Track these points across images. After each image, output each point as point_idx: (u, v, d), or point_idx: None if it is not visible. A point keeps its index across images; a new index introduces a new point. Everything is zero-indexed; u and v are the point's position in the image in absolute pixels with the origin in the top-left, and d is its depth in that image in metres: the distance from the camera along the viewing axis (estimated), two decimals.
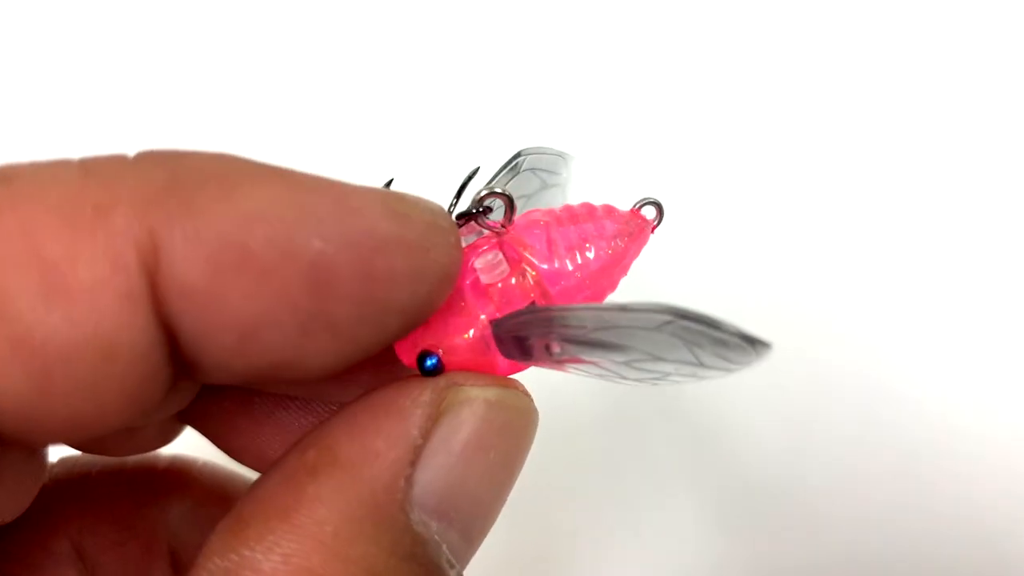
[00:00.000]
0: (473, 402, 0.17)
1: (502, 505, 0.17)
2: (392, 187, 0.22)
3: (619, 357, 0.17)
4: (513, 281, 0.19)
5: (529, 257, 0.19)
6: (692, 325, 0.16)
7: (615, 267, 0.20)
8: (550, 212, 0.20)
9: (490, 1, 0.50)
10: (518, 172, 0.24)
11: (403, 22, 0.50)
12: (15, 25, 0.50)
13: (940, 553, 0.37)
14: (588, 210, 0.20)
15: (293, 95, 0.49)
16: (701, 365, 0.17)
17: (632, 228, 0.21)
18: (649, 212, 0.21)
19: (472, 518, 0.16)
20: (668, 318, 0.16)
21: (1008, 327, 0.40)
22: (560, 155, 0.25)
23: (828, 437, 0.39)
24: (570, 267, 0.19)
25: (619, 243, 0.20)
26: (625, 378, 0.18)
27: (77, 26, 0.50)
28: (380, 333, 0.17)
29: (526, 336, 0.18)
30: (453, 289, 0.18)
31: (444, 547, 0.16)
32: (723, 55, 0.48)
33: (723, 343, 0.16)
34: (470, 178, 0.22)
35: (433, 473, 0.16)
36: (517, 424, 0.18)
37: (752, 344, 0.16)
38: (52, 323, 0.14)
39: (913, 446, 0.38)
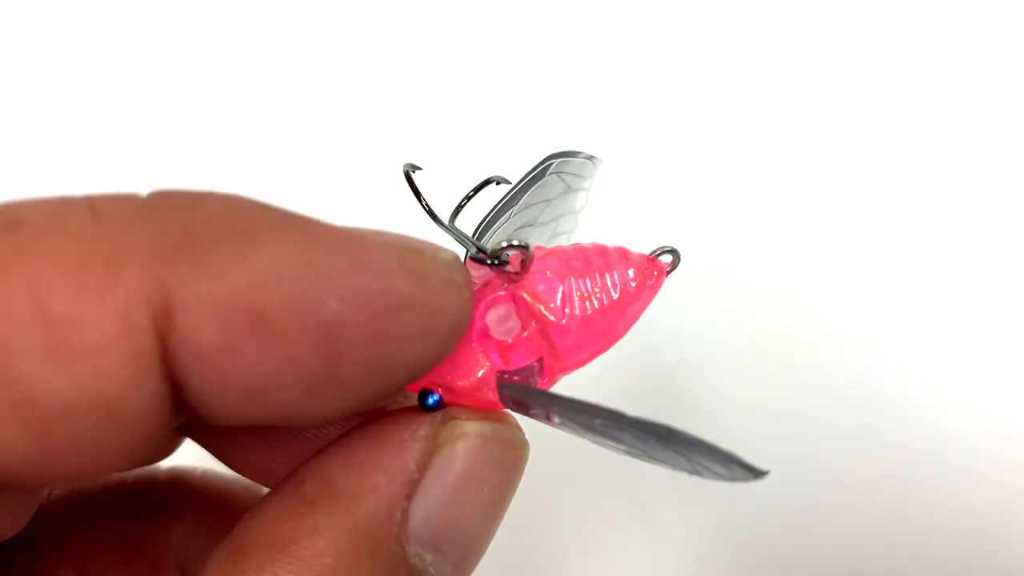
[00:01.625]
0: (468, 436, 0.17)
1: (492, 536, 0.18)
2: (416, 176, 0.20)
3: (617, 445, 0.18)
4: (525, 335, 0.18)
5: (542, 312, 0.19)
6: (692, 448, 0.16)
7: (625, 318, 0.20)
8: (564, 259, 0.19)
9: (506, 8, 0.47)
10: (544, 176, 0.23)
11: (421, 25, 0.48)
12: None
13: (935, 562, 0.37)
14: (603, 257, 0.20)
15: (303, 98, 0.48)
16: (696, 472, 0.17)
17: (646, 277, 0.20)
18: (664, 258, 0.21)
19: (465, 550, 0.17)
20: (667, 433, 0.16)
21: (1003, 335, 0.40)
22: (589, 158, 0.24)
23: (822, 445, 0.39)
24: (580, 323, 0.19)
25: (631, 292, 0.20)
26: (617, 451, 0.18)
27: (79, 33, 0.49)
28: (386, 387, 0.16)
29: (529, 404, 0.18)
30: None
31: None
32: (731, 59, 0.46)
33: (721, 463, 0.16)
34: (485, 184, 0.21)
35: (428, 506, 0.16)
36: (509, 458, 0.18)
37: (749, 470, 0.16)
38: (55, 385, 0.13)
39: (907, 454, 0.38)
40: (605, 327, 0.19)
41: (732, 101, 0.45)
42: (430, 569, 0.16)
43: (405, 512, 0.16)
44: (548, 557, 0.39)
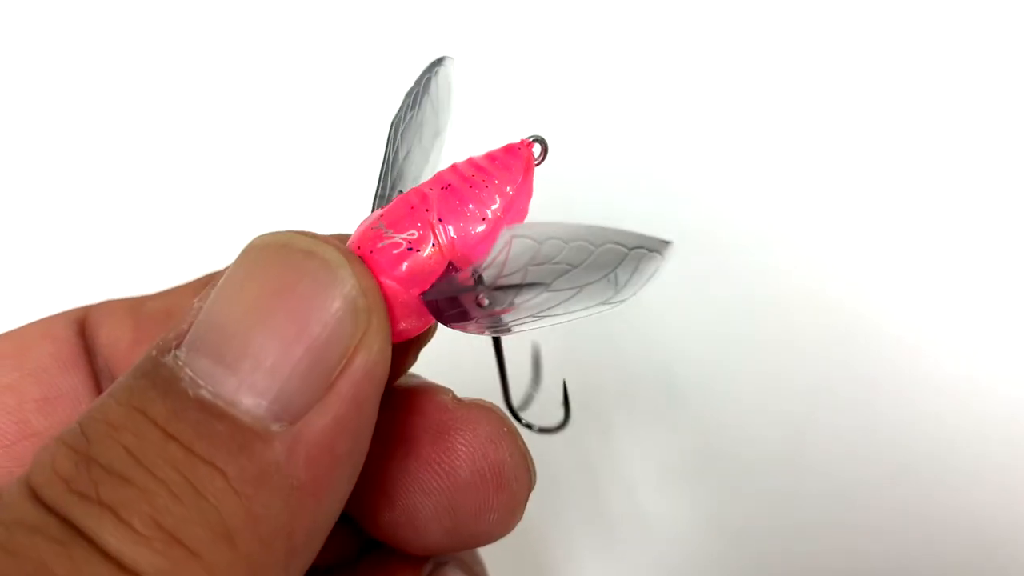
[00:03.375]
0: (244, 251, 0.18)
1: (270, 334, 0.17)
2: None
3: (545, 302, 0.17)
4: (424, 254, 0.19)
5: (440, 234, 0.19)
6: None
7: (514, 205, 0.20)
8: (436, 177, 0.20)
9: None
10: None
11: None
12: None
13: (937, 561, 0.37)
14: (471, 163, 0.20)
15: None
16: (618, 286, 0.17)
17: (519, 161, 0.20)
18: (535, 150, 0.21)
19: (222, 343, 0.17)
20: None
21: (1008, 335, 0.39)
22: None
23: (825, 444, 0.38)
24: (468, 217, 0.19)
25: (511, 184, 0.20)
26: (537, 319, 0.18)
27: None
28: None
29: (459, 303, 0.18)
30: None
31: (187, 369, 0.17)
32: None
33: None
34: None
35: (197, 318, 0.17)
36: (283, 259, 0.18)
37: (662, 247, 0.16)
38: None
39: (911, 455, 0.38)
40: (502, 217, 0.19)
41: (734, 104, 0.45)
42: (178, 362, 0.17)
43: (181, 333, 0.17)
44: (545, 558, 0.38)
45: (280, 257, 0.18)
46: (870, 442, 0.38)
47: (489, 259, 0.18)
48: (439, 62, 0.22)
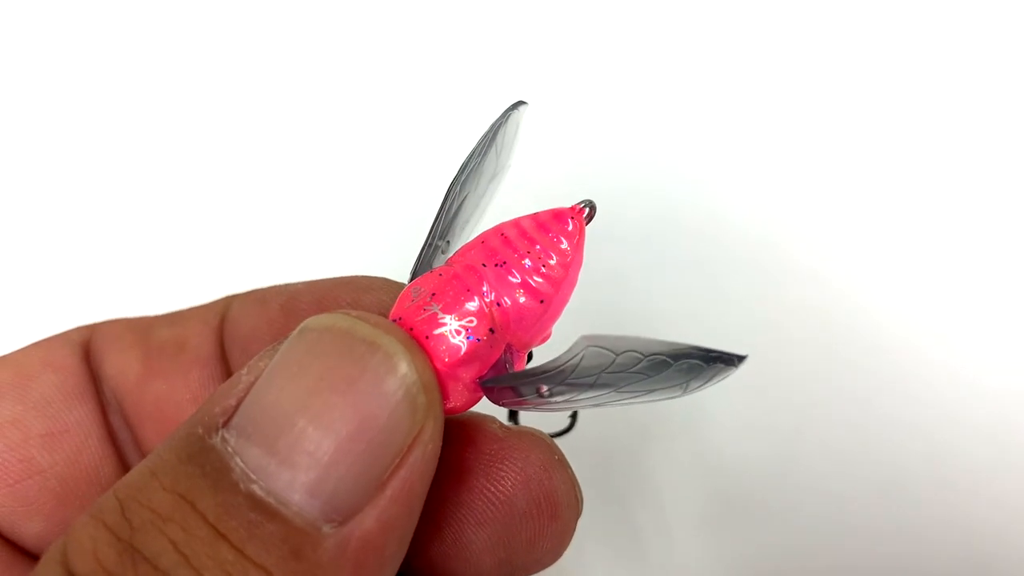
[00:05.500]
0: (302, 332, 0.17)
1: (327, 429, 0.16)
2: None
3: (613, 396, 0.17)
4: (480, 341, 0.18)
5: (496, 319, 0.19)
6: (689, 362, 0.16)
7: (570, 277, 0.19)
8: (487, 249, 0.19)
9: None
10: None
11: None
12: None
13: (927, 571, 0.37)
14: (525, 236, 0.19)
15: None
16: (687, 390, 0.17)
17: (572, 233, 0.19)
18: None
19: (275, 433, 0.16)
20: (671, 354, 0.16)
21: (1002, 343, 0.39)
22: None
23: (816, 453, 0.38)
24: (525, 300, 0.19)
25: (564, 261, 0.19)
26: (597, 407, 0.18)
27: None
28: None
29: (517, 391, 0.18)
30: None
31: (237, 459, 0.16)
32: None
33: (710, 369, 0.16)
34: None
35: (247, 398, 0.17)
36: (339, 344, 0.17)
37: (738, 361, 0.16)
38: None
39: (902, 463, 0.38)
40: (553, 298, 0.19)
41: (723, 101, 0.44)
42: (228, 449, 0.16)
43: (227, 410, 0.17)
44: None
45: (341, 346, 0.17)
46: (860, 452, 0.38)
47: (560, 362, 0.17)
48: (514, 107, 0.21)
